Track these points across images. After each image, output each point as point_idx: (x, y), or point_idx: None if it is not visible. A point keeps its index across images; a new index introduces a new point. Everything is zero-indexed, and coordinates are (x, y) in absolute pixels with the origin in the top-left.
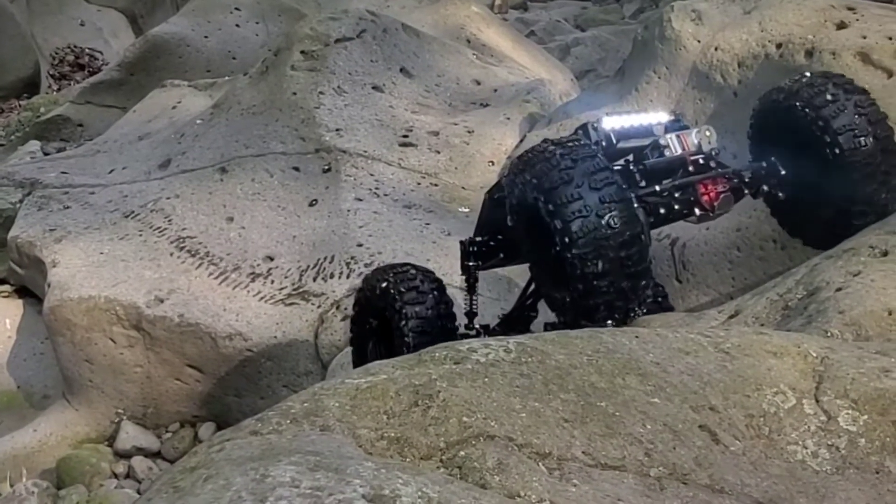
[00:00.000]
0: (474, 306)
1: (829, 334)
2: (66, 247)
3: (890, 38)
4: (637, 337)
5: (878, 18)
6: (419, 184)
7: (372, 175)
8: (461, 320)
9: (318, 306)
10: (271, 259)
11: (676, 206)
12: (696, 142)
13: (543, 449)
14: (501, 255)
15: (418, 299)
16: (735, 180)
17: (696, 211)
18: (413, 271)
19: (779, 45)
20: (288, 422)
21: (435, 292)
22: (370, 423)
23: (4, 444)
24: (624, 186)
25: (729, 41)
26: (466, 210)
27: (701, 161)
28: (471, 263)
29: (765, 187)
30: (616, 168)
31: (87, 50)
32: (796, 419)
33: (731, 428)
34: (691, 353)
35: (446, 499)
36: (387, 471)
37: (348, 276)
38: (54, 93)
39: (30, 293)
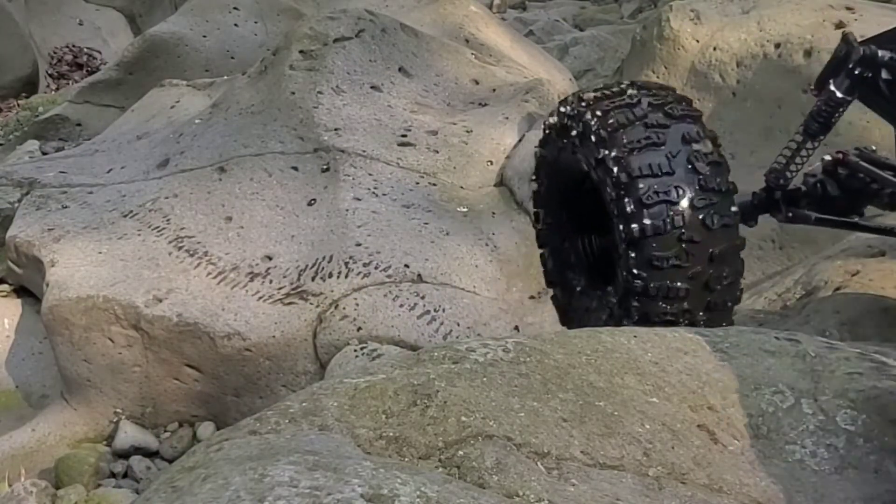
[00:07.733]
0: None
1: (827, 333)
2: (64, 246)
3: None
4: (635, 336)
5: (876, 18)
6: (418, 183)
7: (370, 174)
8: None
9: (317, 306)
10: (270, 258)
11: None
12: None
13: (542, 448)
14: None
15: (657, 161)
16: None
17: None
18: (632, 92)
19: (777, 45)
20: (286, 421)
21: (692, 132)
22: (369, 422)
23: (3, 444)
24: None
25: (727, 41)
26: (465, 209)
27: None
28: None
29: None
30: None
31: (85, 49)
32: (795, 419)
33: (730, 427)
34: (690, 352)
35: (445, 498)
36: (385, 470)
37: (347, 276)
38: (52, 92)
39: (28, 293)
